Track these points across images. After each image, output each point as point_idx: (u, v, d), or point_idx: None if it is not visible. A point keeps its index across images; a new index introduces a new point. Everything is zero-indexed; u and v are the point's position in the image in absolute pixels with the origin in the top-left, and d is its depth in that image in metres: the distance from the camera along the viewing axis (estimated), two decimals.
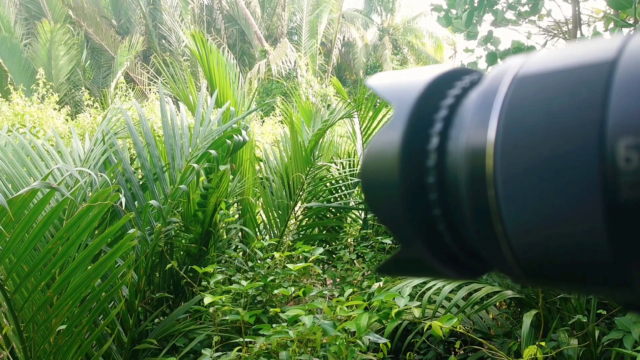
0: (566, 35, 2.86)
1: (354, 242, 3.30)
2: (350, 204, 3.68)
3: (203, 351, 1.70)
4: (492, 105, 0.18)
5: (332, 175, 3.69)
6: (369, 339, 1.62)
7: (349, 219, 3.74)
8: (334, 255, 3.21)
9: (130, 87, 10.54)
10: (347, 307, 1.62)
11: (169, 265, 2.17)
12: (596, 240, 0.15)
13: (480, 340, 1.80)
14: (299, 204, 3.35)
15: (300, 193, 3.29)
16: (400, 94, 0.20)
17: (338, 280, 2.86)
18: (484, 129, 0.18)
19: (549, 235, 0.17)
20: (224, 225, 2.85)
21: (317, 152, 3.38)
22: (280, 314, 1.66)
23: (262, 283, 2.07)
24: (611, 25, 2.25)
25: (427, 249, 0.20)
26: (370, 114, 3.52)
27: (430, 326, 1.55)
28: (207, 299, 1.77)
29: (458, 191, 0.19)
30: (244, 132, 2.42)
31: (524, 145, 0.17)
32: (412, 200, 0.20)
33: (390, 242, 2.76)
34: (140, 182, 2.46)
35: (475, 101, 0.19)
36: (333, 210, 3.64)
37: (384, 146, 0.20)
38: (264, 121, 9.32)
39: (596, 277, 0.16)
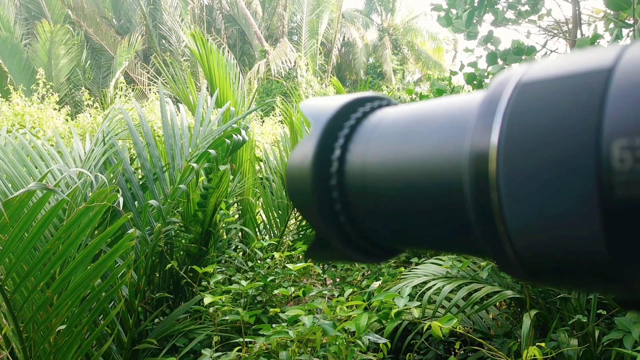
0: (566, 35, 2.86)
1: None
2: None
3: (203, 351, 1.70)
4: (495, 110, 0.19)
5: None
6: (369, 339, 1.61)
7: None
8: None
9: (130, 87, 10.54)
10: (347, 307, 1.62)
11: (168, 265, 2.17)
12: (594, 239, 0.16)
13: (480, 340, 1.80)
14: None
15: None
16: (317, 115, 0.26)
17: (338, 280, 2.86)
18: (487, 133, 0.19)
19: (550, 235, 0.17)
20: (224, 225, 2.85)
21: None
22: (280, 314, 1.66)
23: (262, 283, 2.06)
24: (611, 25, 2.24)
25: (332, 236, 0.25)
26: None
27: (430, 326, 1.55)
28: (207, 299, 1.77)
29: (356, 191, 0.24)
30: (243, 132, 2.42)
31: (526, 148, 0.17)
32: (320, 197, 0.25)
33: None
34: (141, 182, 2.46)
35: (479, 107, 0.20)
36: None
37: (301, 155, 0.25)
38: (264, 121, 9.32)
39: (595, 276, 0.17)
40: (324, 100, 0.27)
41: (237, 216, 3.12)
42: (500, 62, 2.51)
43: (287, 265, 2.19)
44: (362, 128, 0.25)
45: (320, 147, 0.25)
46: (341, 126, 0.26)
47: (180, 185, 2.19)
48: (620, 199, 0.15)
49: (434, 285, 2.08)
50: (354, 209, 0.25)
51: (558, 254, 0.17)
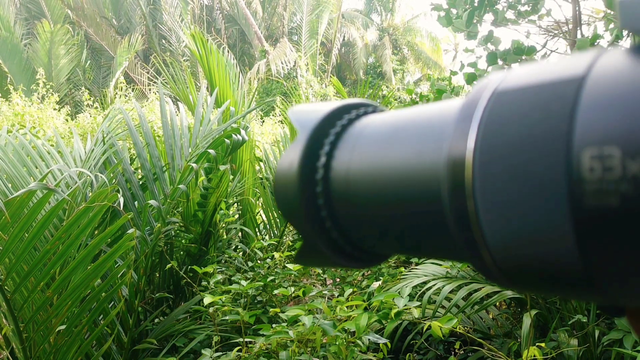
0: (566, 35, 2.86)
1: None
2: None
3: (203, 351, 1.70)
4: (472, 118, 0.19)
5: None
6: (369, 339, 1.61)
7: None
8: None
9: (130, 87, 10.54)
10: (347, 307, 1.62)
11: (168, 265, 2.17)
12: (566, 246, 0.16)
13: (480, 340, 1.80)
14: None
15: None
16: (304, 122, 0.26)
17: (338, 280, 2.86)
18: (464, 140, 0.19)
19: (525, 243, 0.17)
20: (224, 225, 2.85)
21: None
22: (280, 314, 1.66)
23: (262, 283, 2.06)
24: (611, 25, 2.24)
25: (319, 242, 0.26)
26: None
27: (430, 326, 1.55)
28: (207, 299, 1.77)
29: (341, 197, 0.24)
30: (242, 132, 2.42)
31: (500, 156, 0.18)
32: (306, 204, 0.25)
33: None
34: (140, 182, 2.46)
35: (457, 113, 0.20)
36: None
37: (288, 162, 0.26)
38: (264, 121, 9.32)
39: (570, 283, 0.17)
40: (311, 107, 0.27)
41: (237, 216, 3.13)
42: (500, 62, 2.51)
43: (287, 265, 2.19)
44: (347, 135, 0.26)
45: (306, 154, 0.25)
46: (327, 133, 0.26)
47: (180, 186, 2.19)
48: (590, 208, 0.15)
49: (434, 285, 2.08)
50: (339, 215, 0.25)
51: (534, 262, 0.18)
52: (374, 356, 1.71)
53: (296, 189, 0.25)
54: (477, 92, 0.20)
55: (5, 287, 1.55)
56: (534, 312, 1.92)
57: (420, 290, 2.13)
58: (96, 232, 1.98)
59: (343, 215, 0.25)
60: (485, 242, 0.18)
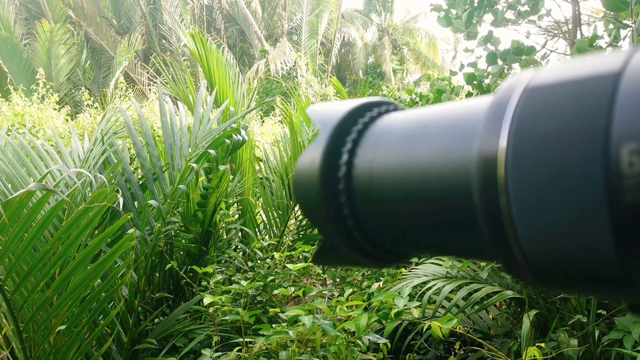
0: (566, 36, 2.86)
1: None
2: None
3: (203, 351, 1.70)
4: (503, 115, 0.19)
5: None
6: (369, 339, 1.61)
7: None
8: None
9: (130, 87, 10.53)
10: (347, 307, 1.62)
11: (168, 266, 2.17)
12: (602, 243, 0.16)
13: (480, 340, 1.80)
14: None
15: None
16: (325, 120, 0.26)
17: (338, 280, 2.86)
18: (495, 137, 0.19)
19: (559, 240, 0.17)
20: (224, 225, 2.85)
21: None
22: (280, 314, 1.66)
23: (262, 283, 2.06)
24: (610, 25, 2.24)
25: (340, 241, 0.25)
26: None
27: (430, 326, 1.55)
28: (207, 299, 1.77)
29: (364, 195, 0.24)
30: (242, 131, 2.42)
31: (534, 152, 0.17)
32: (328, 202, 0.25)
33: None
34: (140, 182, 2.45)
35: (487, 111, 0.20)
36: None
37: (309, 160, 0.26)
38: (263, 121, 9.31)
39: (604, 280, 0.17)
40: (331, 105, 0.27)
41: (237, 216, 3.12)
42: (500, 62, 2.51)
43: (287, 265, 2.19)
44: (370, 133, 0.25)
45: (328, 152, 0.25)
46: (349, 131, 0.26)
47: (180, 186, 2.19)
48: (629, 204, 0.15)
49: (434, 285, 2.08)
50: (361, 213, 0.25)
51: (567, 259, 0.17)
52: (374, 356, 1.71)
53: (317, 186, 0.25)
54: (507, 88, 0.19)
55: (5, 287, 1.55)
56: (533, 312, 1.92)
57: (420, 290, 2.13)
58: (96, 232, 1.98)
59: (365, 214, 0.25)
60: (516, 238, 0.18)
